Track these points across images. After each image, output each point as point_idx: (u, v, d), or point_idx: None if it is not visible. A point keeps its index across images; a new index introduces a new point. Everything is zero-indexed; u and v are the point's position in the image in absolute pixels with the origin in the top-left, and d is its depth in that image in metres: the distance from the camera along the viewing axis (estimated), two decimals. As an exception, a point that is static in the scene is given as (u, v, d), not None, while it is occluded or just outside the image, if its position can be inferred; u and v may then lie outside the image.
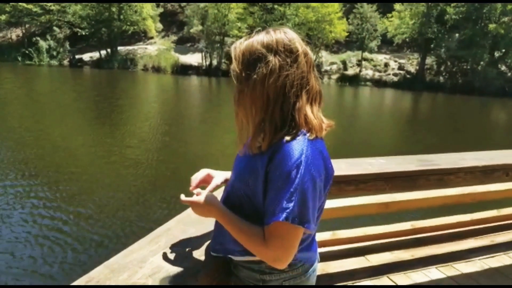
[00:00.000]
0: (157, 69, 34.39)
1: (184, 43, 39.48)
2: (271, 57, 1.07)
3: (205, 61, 35.28)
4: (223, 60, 34.27)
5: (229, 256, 1.24)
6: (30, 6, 37.25)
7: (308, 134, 1.08)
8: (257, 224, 1.12)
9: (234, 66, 1.13)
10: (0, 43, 42.46)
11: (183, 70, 34.31)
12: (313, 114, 1.10)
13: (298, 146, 1.05)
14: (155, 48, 37.53)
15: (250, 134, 1.13)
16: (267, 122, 1.09)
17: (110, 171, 8.48)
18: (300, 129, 1.08)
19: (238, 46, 1.14)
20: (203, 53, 35.33)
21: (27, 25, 41.27)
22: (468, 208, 3.11)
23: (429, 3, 34.41)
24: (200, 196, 1.22)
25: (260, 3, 36.28)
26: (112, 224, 5.83)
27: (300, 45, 1.11)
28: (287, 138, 1.06)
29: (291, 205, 1.02)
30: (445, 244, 2.80)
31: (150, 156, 9.62)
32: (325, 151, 1.15)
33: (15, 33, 43.62)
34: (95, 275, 1.14)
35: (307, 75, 1.11)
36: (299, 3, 35.34)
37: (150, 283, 1.12)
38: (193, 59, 35.91)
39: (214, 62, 35.02)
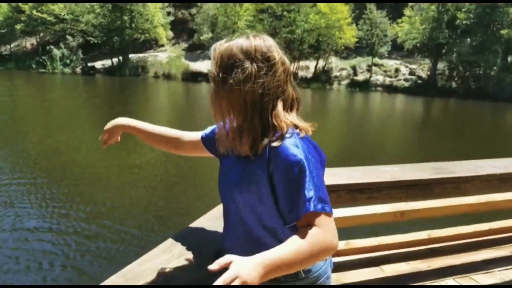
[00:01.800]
0: (168, 76, 34.72)
1: (195, 50, 39.80)
2: (247, 64, 1.08)
3: (215, 68, 35.51)
4: (232, 67, 34.45)
5: None
6: (44, 15, 38.01)
7: (297, 131, 1.11)
8: (276, 224, 1.13)
9: (212, 67, 1.14)
10: (15, 51, 43.34)
11: (193, 77, 34.57)
12: (292, 117, 1.13)
13: (293, 141, 1.07)
14: (166, 56, 37.93)
15: (230, 137, 1.15)
16: (246, 126, 1.10)
17: (119, 178, 8.52)
18: (288, 130, 1.09)
19: (218, 48, 1.14)
20: (213, 60, 35.57)
21: (41, 34, 42.09)
22: (486, 217, 3.04)
23: (440, 9, 34.19)
24: (232, 270, 0.93)
25: (269, 11, 36.46)
26: (124, 232, 5.84)
27: (277, 54, 1.12)
28: (279, 139, 1.08)
29: (311, 194, 1.03)
30: (462, 254, 2.73)
31: (159, 163, 9.65)
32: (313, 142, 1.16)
33: (29, 42, 44.49)
34: (110, 284, 1.15)
35: (283, 84, 1.12)
36: (308, 10, 35.42)
37: None
38: (203, 66, 36.14)
39: (224, 69, 35.22)
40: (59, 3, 37.98)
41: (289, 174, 1.04)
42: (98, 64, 38.00)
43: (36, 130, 12.83)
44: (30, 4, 38.94)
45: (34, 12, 38.31)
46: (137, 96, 24.30)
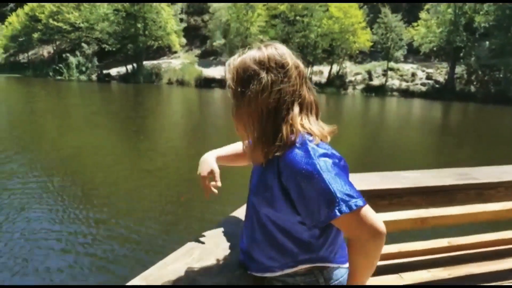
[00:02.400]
0: (181, 83, 35.02)
1: (207, 56, 40.16)
2: (263, 74, 1.10)
3: (228, 74, 35.67)
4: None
5: (268, 273, 1.22)
6: (60, 24, 38.86)
7: (307, 137, 1.09)
8: (292, 228, 1.13)
9: (229, 83, 1.16)
10: (33, 59, 44.39)
11: (206, 83, 34.81)
12: (310, 123, 1.13)
13: (303, 149, 1.06)
14: (179, 62, 38.31)
15: (251, 148, 1.19)
16: (262, 135, 1.12)
17: (133, 182, 8.57)
18: (298, 137, 1.09)
19: (232, 63, 1.17)
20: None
21: (57, 42, 43.02)
22: (510, 224, 2.95)
23: (457, 11, 33.73)
24: None
25: (281, 16, 36.55)
26: (139, 236, 5.86)
27: (291, 59, 1.14)
28: (288, 147, 1.07)
29: (332, 199, 1.02)
30: (486, 262, 2.63)
31: (173, 168, 9.70)
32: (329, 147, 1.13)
33: (46, 50, 45.54)
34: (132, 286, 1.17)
35: (299, 88, 1.14)
36: (321, 14, 35.38)
37: None
38: (216, 72, 36.38)
39: (237, 75, 35.33)
40: (74, 12, 38.79)
41: (302, 185, 1.04)
42: (113, 71, 38.61)
43: (52, 136, 13.05)
44: (46, 13, 39.86)
45: (50, 21, 39.24)
46: (151, 102, 24.57)
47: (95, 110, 19.65)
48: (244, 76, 1.12)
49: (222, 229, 1.55)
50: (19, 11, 43.70)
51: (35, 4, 41.52)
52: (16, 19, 43.37)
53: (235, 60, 1.16)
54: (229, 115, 1.15)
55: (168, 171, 9.35)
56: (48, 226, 6.06)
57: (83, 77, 37.82)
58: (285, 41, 33.17)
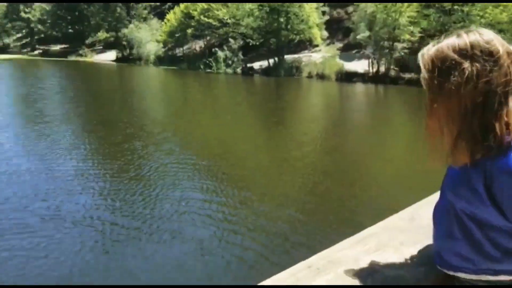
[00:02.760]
0: (321, 76, 34.88)
1: (349, 50, 39.07)
2: (466, 64, 0.98)
3: (372, 68, 34.14)
4: (392, 67, 32.58)
5: (460, 273, 1.09)
6: (210, 20, 42.70)
7: None
8: (499, 236, 1.00)
9: (424, 74, 1.07)
10: (187, 53, 49.67)
11: (347, 77, 33.92)
12: None
13: None
14: (320, 56, 38.24)
15: (447, 147, 1.06)
16: (464, 134, 1.00)
17: (275, 169, 8.83)
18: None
19: (426, 53, 1.07)
20: (370, 60, 34.25)
21: (207, 38, 47.30)
22: None
23: None
24: None
25: (436, 5, 33.22)
26: (282, 219, 6.04)
27: (501, 45, 1.01)
28: (501, 149, 0.94)
29: None
30: None
31: (312, 160, 9.69)
32: None
33: (198, 45, 50.37)
34: (314, 262, 1.21)
35: None
36: (485, 2, 31.01)
37: (369, 283, 1.12)
38: (359, 66, 35.15)
39: (382, 69, 33.55)
40: (222, 9, 42.09)
41: None
42: (256, 65, 40.69)
43: (202, 122, 14.40)
44: (198, 10, 44.24)
45: (202, 17, 43.41)
46: (291, 95, 25.25)
47: (240, 101, 21.05)
48: (442, 67, 1.01)
49: (396, 223, 1.51)
50: (176, 9, 49.41)
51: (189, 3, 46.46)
52: (173, 16, 49.18)
53: (430, 49, 1.06)
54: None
55: (305, 162, 9.41)
56: (196, 198, 6.70)
57: (229, 70, 40.77)
58: (441, 33, 29.63)
